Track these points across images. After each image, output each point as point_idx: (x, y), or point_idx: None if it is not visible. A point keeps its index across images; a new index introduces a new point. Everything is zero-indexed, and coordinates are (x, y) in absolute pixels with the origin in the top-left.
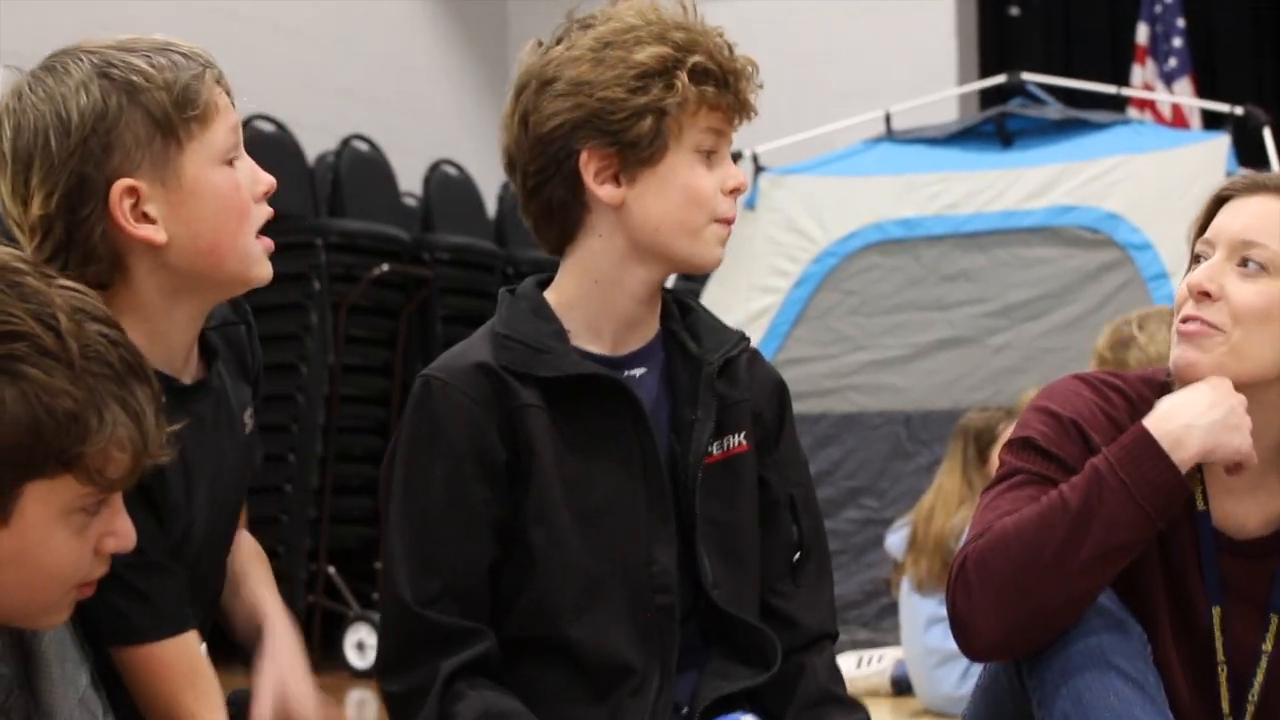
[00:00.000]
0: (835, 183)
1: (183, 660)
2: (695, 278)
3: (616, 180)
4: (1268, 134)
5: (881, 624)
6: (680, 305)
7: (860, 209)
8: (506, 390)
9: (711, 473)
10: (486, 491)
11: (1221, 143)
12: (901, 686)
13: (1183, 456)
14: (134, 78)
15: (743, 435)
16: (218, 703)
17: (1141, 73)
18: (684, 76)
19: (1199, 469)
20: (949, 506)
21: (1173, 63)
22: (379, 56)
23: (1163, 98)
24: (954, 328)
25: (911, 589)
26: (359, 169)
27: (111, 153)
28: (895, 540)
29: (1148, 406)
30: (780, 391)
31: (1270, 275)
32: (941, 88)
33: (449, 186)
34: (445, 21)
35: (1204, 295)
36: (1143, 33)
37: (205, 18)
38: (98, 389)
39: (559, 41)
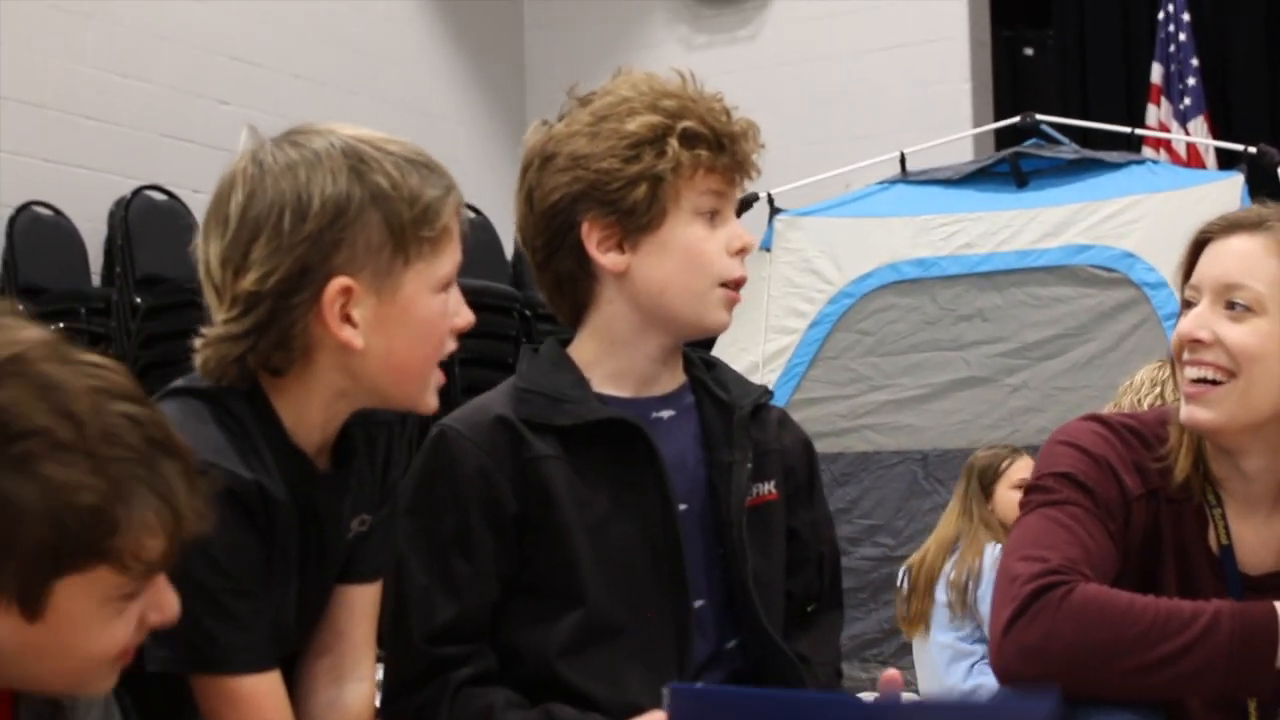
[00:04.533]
0: (850, 224)
1: (278, 700)
2: None
3: (620, 248)
4: None
5: (900, 662)
6: (704, 361)
7: (876, 250)
8: (521, 443)
9: (749, 516)
10: (493, 542)
11: (1235, 181)
12: None
13: None
14: (382, 180)
15: (773, 484)
16: None
17: (1156, 112)
18: (674, 142)
19: (1219, 501)
20: (942, 548)
21: (1187, 102)
22: (398, 104)
23: (1177, 137)
24: (970, 367)
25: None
26: None
27: (340, 249)
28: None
29: (1164, 446)
30: (810, 450)
31: (1257, 314)
32: (957, 129)
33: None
34: (464, 69)
35: (1196, 343)
36: (1157, 72)
37: (226, 65)
38: (121, 475)
39: (561, 119)
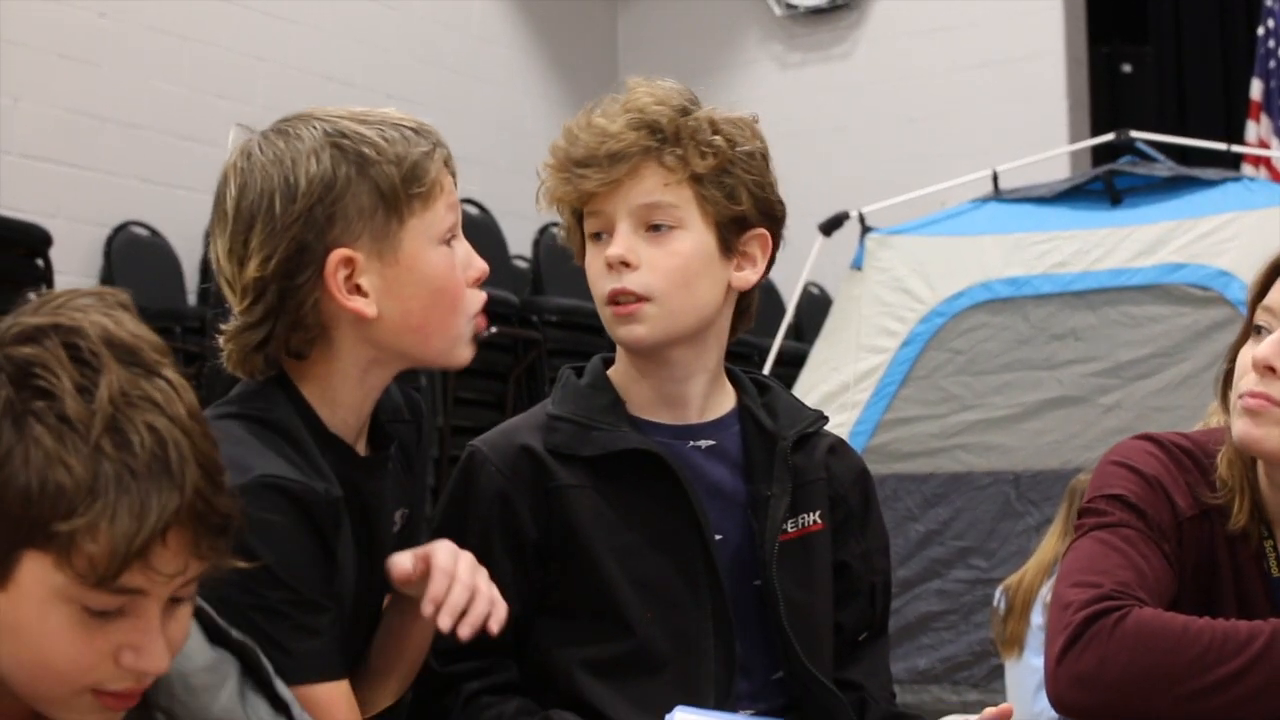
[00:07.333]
0: (942, 242)
1: (350, 707)
2: (803, 338)
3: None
4: None
5: (991, 685)
6: (758, 384)
7: (967, 268)
8: (545, 472)
9: (786, 550)
10: (511, 565)
11: None
12: None
13: None
14: (365, 149)
15: (818, 514)
16: None
17: (1256, 129)
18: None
19: (1271, 533)
20: (1041, 570)
21: None
22: (492, 123)
23: (1277, 154)
24: (1063, 387)
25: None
26: (468, 232)
27: (334, 222)
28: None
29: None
30: (865, 478)
31: None
32: (1052, 147)
33: (558, 249)
34: (557, 89)
35: (1269, 370)
36: (1257, 88)
37: (321, 86)
38: (107, 475)
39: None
